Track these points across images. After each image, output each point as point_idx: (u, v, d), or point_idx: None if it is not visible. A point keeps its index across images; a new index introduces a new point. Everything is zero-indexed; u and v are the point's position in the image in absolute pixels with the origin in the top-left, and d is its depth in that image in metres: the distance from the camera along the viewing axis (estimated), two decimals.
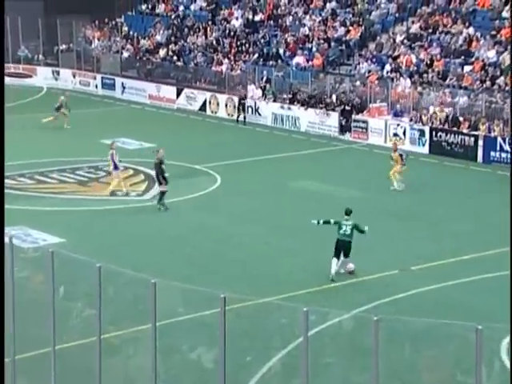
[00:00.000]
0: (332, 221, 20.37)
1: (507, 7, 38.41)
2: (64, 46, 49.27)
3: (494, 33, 37.63)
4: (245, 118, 38.87)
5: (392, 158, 28.44)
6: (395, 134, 33.26)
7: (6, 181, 28.97)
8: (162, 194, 26.12)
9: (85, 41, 50.26)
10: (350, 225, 20.14)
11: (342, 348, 14.85)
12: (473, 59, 36.78)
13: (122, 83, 45.64)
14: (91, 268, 12.81)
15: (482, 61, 36.36)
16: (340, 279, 20.15)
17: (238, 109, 39.18)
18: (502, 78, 34.93)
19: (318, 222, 20.66)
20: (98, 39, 49.97)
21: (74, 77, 47.72)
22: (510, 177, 27.57)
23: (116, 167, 27.91)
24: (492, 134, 32.29)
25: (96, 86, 46.77)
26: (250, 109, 39.41)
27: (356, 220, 24.99)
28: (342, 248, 20.08)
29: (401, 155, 28.33)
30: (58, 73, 48.24)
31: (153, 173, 28.52)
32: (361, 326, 13.74)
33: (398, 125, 34.85)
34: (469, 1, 40.22)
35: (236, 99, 40.10)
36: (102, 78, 46.70)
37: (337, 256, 20.05)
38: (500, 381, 14.73)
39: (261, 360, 15.57)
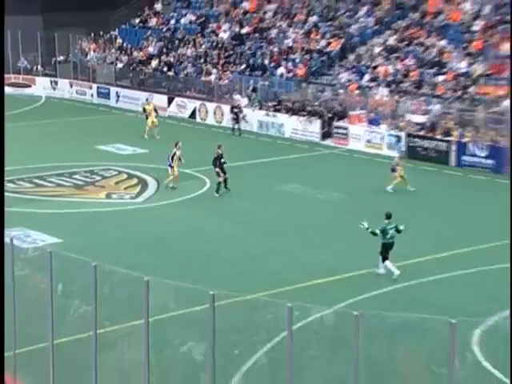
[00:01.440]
0: (377, 231, 20.25)
1: (477, 21, 38.64)
2: (61, 58, 49.32)
3: (465, 45, 37.88)
4: (239, 129, 38.50)
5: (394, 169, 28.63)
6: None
7: (7, 184, 29.00)
8: (219, 184, 27.95)
9: (81, 52, 50.24)
10: (393, 227, 20.24)
11: (325, 341, 14.86)
12: (445, 70, 37.01)
13: (117, 92, 45.66)
14: (87, 267, 12.84)
15: (454, 71, 36.57)
16: (322, 277, 20.20)
17: (234, 119, 38.77)
18: (473, 87, 35.15)
19: (367, 229, 20.55)
20: (94, 51, 49.96)
21: (71, 86, 47.72)
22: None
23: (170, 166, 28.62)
24: (464, 140, 32.43)
25: (92, 95, 46.76)
26: (240, 116, 39.36)
27: (339, 220, 25.22)
28: (390, 249, 20.15)
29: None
30: (56, 83, 48.23)
31: (145, 176, 28.58)
32: (342, 321, 13.75)
33: (373, 132, 35.01)
34: (441, 15, 40.45)
35: (224, 107, 40.11)
36: (98, 87, 46.71)
37: (387, 258, 20.11)
38: (471, 371, 14.83)
39: (248, 353, 15.59)
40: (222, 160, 28.33)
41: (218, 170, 28.04)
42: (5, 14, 47.12)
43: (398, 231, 20.44)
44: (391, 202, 27.16)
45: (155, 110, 38.13)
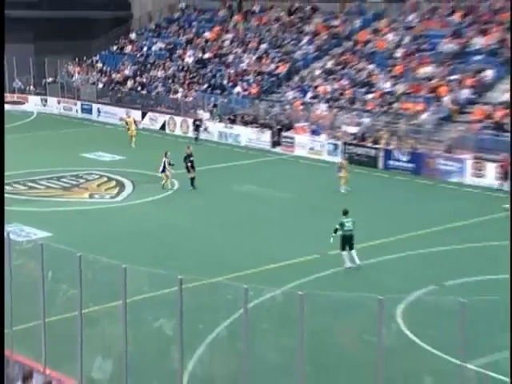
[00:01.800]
0: (337, 226, 19.80)
1: (398, 49, 39.01)
2: (50, 79, 48.93)
3: (389, 69, 38.25)
4: (197, 137, 38.38)
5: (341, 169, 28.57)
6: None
7: (5, 187, 28.67)
8: (192, 179, 28.42)
9: (67, 75, 49.83)
10: (350, 221, 19.83)
11: (275, 317, 14.90)
12: (374, 89, 37.32)
13: (98, 108, 45.37)
14: (73, 257, 12.75)
15: (381, 90, 36.91)
16: (273, 262, 20.22)
17: (195, 130, 38.62)
18: (397, 103, 35.49)
19: (333, 236, 19.86)
20: (78, 73, 49.60)
21: (59, 103, 47.32)
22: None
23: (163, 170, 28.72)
24: (389, 147, 32.71)
25: (77, 111, 46.43)
26: (200, 128, 39.31)
27: (287, 215, 25.29)
28: (348, 240, 19.71)
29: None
30: (45, 100, 47.81)
31: (122, 179, 28.37)
32: (289, 300, 13.79)
33: (315, 141, 35.16)
34: (369, 44, 40.81)
35: (189, 120, 40.03)
36: (82, 104, 46.37)
37: (344, 249, 19.74)
38: (396, 338, 14.97)
39: (210, 328, 15.59)
40: (191, 158, 28.79)
41: (188, 165, 28.67)
42: (4, 42, 47.19)
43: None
44: (331, 199, 27.32)
45: (135, 123, 37.98)
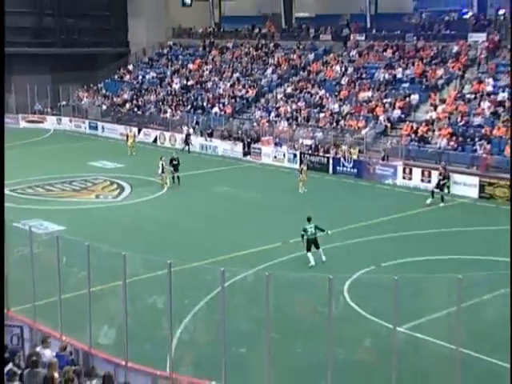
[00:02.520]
0: (303, 232, 18.82)
1: (343, 78, 39.20)
2: (64, 103, 48.37)
3: (336, 93, 38.28)
4: (189, 149, 37.94)
5: (301, 173, 28.34)
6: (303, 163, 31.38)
7: (26, 190, 28.38)
8: (178, 177, 29.12)
9: (77, 99, 49.27)
10: (313, 227, 18.88)
11: (246, 294, 14.90)
12: (324, 109, 37.37)
13: (102, 126, 44.88)
14: (82, 246, 12.71)
15: (330, 110, 36.99)
16: (244, 249, 20.16)
17: (186, 142, 38.11)
18: (343, 121, 35.64)
19: (302, 237, 18.79)
20: (86, 97, 49.06)
21: (71, 122, 46.76)
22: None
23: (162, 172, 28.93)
24: (338, 156, 32.81)
25: (85, 128, 45.87)
26: (189, 140, 39.01)
27: (256, 211, 25.30)
28: (312, 243, 18.85)
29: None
30: (60, 119, 47.21)
31: (122, 183, 28.22)
32: (258, 279, 13.81)
33: (278, 151, 35.18)
34: (321, 73, 40.91)
35: (177, 135, 39.78)
36: (89, 122, 45.86)
37: (309, 250, 18.81)
38: (343, 309, 15.09)
39: (194, 302, 15.57)
40: (175, 162, 29.43)
41: (172, 168, 29.26)
42: (26, 74, 46.78)
43: (321, 230, 19.08)
44: (290, 197, 27.38)
45: (134, 137, 37.98)
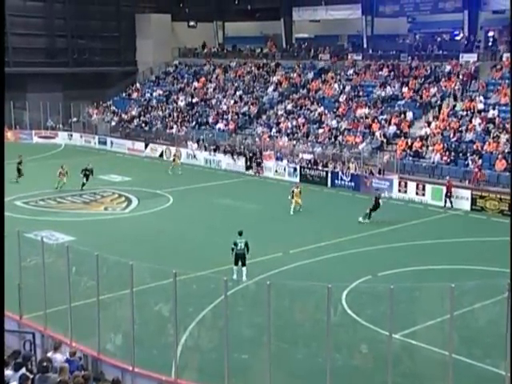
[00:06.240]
0: (233, 246, 18.16)
1: (341, 95, 39.33)
2: (75, 119, 48.44)
3: (334, 110, 38.39)
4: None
5: (293, 196, 26.82)
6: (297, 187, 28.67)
7: (39, 202, 28.41)
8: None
9: (88, 115, 49.42)
10: (243, 242, 18.13)
11: (248, 302, 14.88)
12: (323, 125, 37.46)
13: (111, 141, 44.94)
14: (91, 256, 12.69)
15: (329, 126, 37.08)
16: (246, 259, 20.11)
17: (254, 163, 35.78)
18: (341, 136, 35.71)
19: (232, 250, 18.13)
20: (96, 114, 49.18)
21: (81, 137, 46.82)
22: None
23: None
24: (336, 170, 32.83)
25: (95, 143, 45.92)
26: (190, 156, 39.13)
27: (257, 222, 25.25)
28: (240, 258, 18.05)
29: (300, 192, 27.07)
30: (71, 135, 47.27)
31: (129, 195, 28.23)
32: (259, 288, 13.81)
33: (278, 165, 35.24)
34: (320, 91, 41.04)
35: (182, 150, 39.70)
36: (99, 137, 45.93)
37: (236, 264, 18.07)
38: (341, 317, 15.05)
39: (198, 310, 15.54)
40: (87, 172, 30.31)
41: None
42: (40, 92, 47.05)
43: (248, 248, 18.19)
44: (289, 210, 27.29)
45: (178, 158, 36.66)
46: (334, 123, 37.08)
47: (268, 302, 10.66)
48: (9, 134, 46.46)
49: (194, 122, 43.27)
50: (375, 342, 13.96)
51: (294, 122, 38.76)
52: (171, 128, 43.31)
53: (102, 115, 49.03)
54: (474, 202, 27.31)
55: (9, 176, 30.44)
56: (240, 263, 18.18)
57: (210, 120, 42.80)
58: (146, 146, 42.26)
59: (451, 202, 27.63)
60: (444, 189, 28.02)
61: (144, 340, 13.40)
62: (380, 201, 25.49)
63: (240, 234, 18.44)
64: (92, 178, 30.81)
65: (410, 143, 33.02)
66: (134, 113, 47.79)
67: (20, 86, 47.16)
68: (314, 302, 13.75)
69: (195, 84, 48.42)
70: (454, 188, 27.95)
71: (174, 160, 36.63)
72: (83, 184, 30.35)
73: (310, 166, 33.92)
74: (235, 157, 37.11)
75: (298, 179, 33.61)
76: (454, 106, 34.45)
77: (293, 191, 27.16)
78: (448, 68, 37.57)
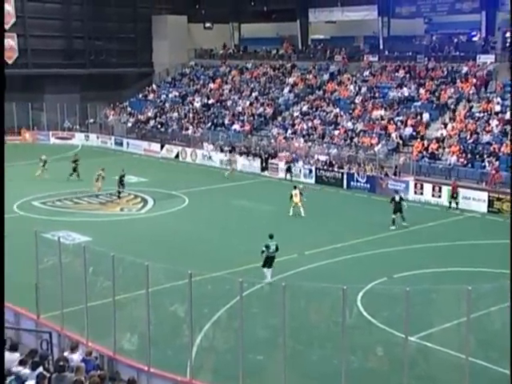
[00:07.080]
0: (264, 248, 18.17)
1: (357, 97, 39.20)
2: (92, 120, 48.81)
3: (350, 111, 38.29)
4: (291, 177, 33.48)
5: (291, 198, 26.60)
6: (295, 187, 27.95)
7: (56, 202, 28.62)
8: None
9: (104, 116, 49.75)
10: (275, 245, 18.25)
11: (263, 303, 14.87)
12: (339, 127, 37.38)
13: (127, 142, 45.20)
14: (107, 256, 12.75)
15: (344, 128, 36.98)
16: (261, 261, 20.09)
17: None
18: (357, 138, 35.59)
19: (263, 252, 18.14)
20: (112, 115, 49.49)
21: (98, 138, 47.17)
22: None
23: None
24: (351, 171, 32.75)
25: (111, 144, 46.22)
26: (205, 157, 39.23)
27: (272, 223, 25.18)
28: (271, 261, 18.18)
29: (301, 193, 26.97)
30: (88, 136, 47.63)
31: (146, 196, 28.31)
32: (274, 289, 13.78)
33: (294, 166, 35.16)
34: (336, 93, 40.96)
35: (198, 151, 39.87)
36: (115, 138, 46.22)
37: (265, 266, 18.12)
38: (356, 318, 14.98)
39: (213, 311, 15.56)
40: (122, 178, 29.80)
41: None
42: (57, 93, 47.43)
43: (278, 249, 18.31)
44: (306, 211, 27.18)
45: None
46: (349, 125, 36.97)
47: (283, 304, 10.64)
48: (27, 135, 46.97)
49: (209, 123, 43.38)
50: (391, 344, 13.88)
51: (310, 124, 38.70)
52: (187, 129, 43.45)
53: (118, 116, 49.33)
54: (490, 203, 27.08)
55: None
56: (268, 265, 18.11)
57: (226, 121, 42.88)
58: (162, 147, 42.44)
59: (457, 203, 27.38)
60: (450, 189, 27.83)
61: (159, 340, 13.43)
62: (404, 202, 24.82)
63: (271, 237, 18.35)
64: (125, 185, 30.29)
65: (426, 145, 32.83)
66: (150, 114, 48.01)
67: (38, 88, 47.67)
68: (330, 303, 13.70)
69: (211, 85, 48.55)
70: (459, 188, 27.76)
71: (231, 167, 35.50)
72: (119, 192, 29.64)
73: (325, 167, 33.85)
74: (250, 158, 37.11)
75: (313, 181, 33.55)
76: (471, 108, 34.19)
77: (291, 193, 26.74)
78: (465, 69, 37.30)
